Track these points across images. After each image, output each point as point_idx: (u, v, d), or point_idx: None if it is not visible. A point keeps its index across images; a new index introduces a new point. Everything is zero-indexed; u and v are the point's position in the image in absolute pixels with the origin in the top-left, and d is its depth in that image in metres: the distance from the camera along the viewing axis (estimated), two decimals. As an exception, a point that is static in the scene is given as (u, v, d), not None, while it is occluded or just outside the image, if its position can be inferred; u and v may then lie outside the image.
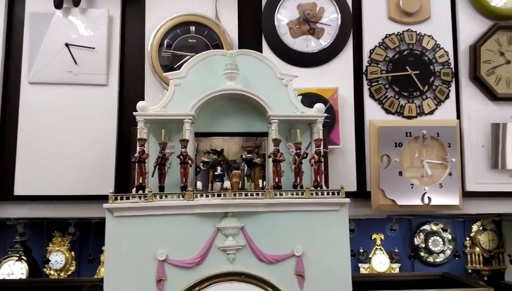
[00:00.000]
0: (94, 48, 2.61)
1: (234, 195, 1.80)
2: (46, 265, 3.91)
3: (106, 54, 2.62)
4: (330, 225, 1.86)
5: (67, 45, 2.59)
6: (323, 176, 1.96)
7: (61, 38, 2.60)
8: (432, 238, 4.37)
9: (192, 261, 1.75)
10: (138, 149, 1.85)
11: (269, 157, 1.95)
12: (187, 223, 1.78)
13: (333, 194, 1.87)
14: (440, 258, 4.38)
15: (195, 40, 2.67)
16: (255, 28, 2.76)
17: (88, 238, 3.76)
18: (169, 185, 1.93)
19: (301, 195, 1.85)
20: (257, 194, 1.82)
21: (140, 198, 1.76)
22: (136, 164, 1.83)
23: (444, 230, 4.33)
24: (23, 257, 3.83)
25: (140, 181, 1.82)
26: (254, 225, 1.82)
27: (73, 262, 4.03)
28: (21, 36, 2.64)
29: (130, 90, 2.68)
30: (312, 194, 1.85)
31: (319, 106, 2.07)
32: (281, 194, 1.84)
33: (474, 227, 4.43)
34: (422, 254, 4.39)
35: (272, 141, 1.92)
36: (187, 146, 1.86)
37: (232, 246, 1.79)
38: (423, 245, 4.38)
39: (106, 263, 1.74)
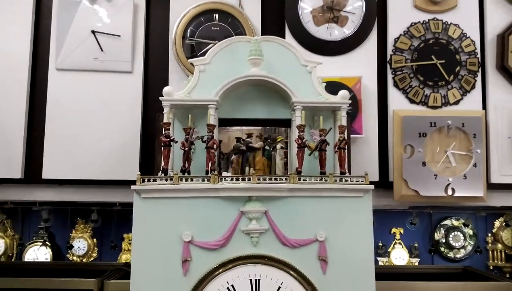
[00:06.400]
0: (119, 35, 2.65)
1: (258, 179, 1.81)
2: (69, 251, 4.00)
3: (131, 41, 2.66)
4: (353, 212, 1.85)
5: (93, 32, 2.64)
6: (346, 162, 1.95)
7: (87, 25, 2.65)
8: (453, 233, 4.30)
9: (216, 243, 1.76)
10: (164, 132, 1.87)
11: (301, 143, 1.90)
12: (212, 206, 1.79)
13: (357, 180, 1.86)
14: (461, 254, 4.30)
15: (218, 28, 2.68)
16: (278, 16, 2.76)
17: (110, 225, 3.83)
18: (194, 170, 1.94)
19: (325, 180, 1.84)
20: (281, 179, 1.83)
21: (166, 180, 1.79)
22: (163, 147, 1.85)
23: (465, 225, 4.24)
24: (47, 242, 3.92)
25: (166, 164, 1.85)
26: (277, 210, 1.82)
27: (95, 248, 4.12)
28: (48, 23, 2.71)
29: (155, 77, 2.72)
30: (336, 180, 1.84)
31: (343, 93, 2.05)
32: (305, 179, 1.84)
33: (497, 223, 4.33)
34: (442, 249, 4.32)
35: (297, 128, 1.92)
36: (213, 130, 1.87)
37: (255, 229, 1.79)
38: (444, 240, 4.31)
39: (133, 243, 1.78)
